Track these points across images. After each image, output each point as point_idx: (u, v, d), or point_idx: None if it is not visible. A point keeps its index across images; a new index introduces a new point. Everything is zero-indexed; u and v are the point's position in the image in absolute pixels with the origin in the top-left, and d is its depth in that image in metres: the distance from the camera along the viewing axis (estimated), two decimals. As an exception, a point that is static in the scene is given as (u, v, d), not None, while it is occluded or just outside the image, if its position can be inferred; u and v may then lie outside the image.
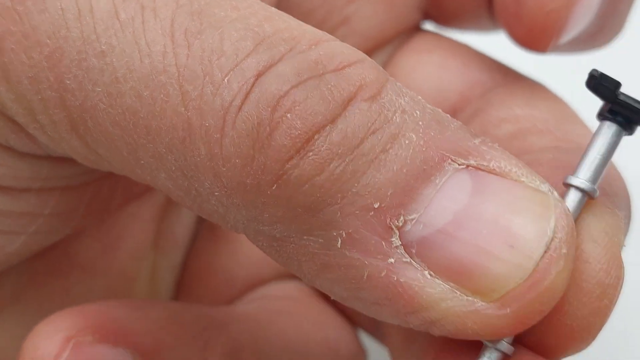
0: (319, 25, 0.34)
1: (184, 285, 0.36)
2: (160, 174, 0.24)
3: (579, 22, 0.31)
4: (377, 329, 0.35)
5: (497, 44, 0.36)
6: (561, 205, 0.24)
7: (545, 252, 0.23)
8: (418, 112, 0.24)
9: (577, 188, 0.25)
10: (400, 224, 0.23)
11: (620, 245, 0.25)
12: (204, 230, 0.36)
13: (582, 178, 0.25)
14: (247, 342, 0.31)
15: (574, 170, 0.25)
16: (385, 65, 0.35)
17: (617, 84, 0.25)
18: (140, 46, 0.24)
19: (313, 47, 0.24)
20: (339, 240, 0.23)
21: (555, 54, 0.32)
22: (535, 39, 0.31)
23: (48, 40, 0.24)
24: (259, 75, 0.23)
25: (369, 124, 0.23)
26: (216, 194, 0.24)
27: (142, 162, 0.24)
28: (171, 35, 0.24)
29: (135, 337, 0.29)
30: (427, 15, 0.36)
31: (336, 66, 0.24)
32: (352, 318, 0.36)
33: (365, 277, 0.23)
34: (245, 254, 0.36)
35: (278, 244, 0.24)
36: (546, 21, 0.30)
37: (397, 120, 0.23)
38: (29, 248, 0.30)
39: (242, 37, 0.23)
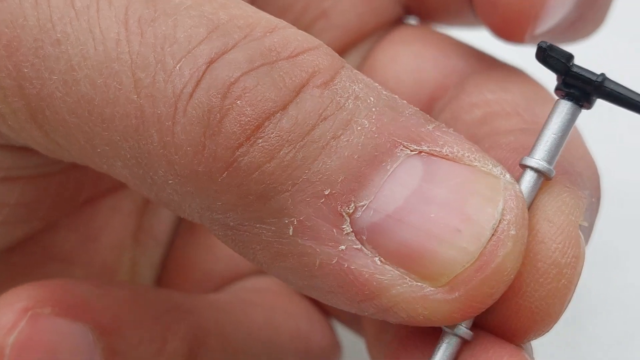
0: (296, 19, 0.34)
1: (164, 280, 0.36)
2: (116, 162, 0.24)
3: (556, 11, 0.30)
4: (353, 321, 0.35)
5: (485, 38, 0.36)
6: (512, 187, 0.23)
7: (493, 234, 0.23)
8: (372, 99, 0.24)
9: (532, 168, 0.25)
10: (351, 211, 0.23)
11: (577, 224, 0.25)
12: (184, 225, 0.36)
13: (537, 158, 0.25)
14: (212, 328, 0.31)
15: (529, 151, 0.25)
16: (364, 58, 0.35)
17: (569, 56, 0.25)
18: (94, 34, 0.24)
19: (268, 34, 0.24)
20: (291, 228, 0.23)
21: (535, 44, 0.32)
22: (510, 29, 0.31)
23: (6, 29, 0.24)
24: (211, 62, 0.23)
25: (321, 111, 0.23)
26: (170, 182, 0.24)
27: (98, 150, 0.24)
28: (125, 22, 0.24)
29: (95, 313, 0.29)
30: (410, 10, 0.36)
31: (290, 53, 0.24)
32: (328, 310, 0.35)
33: (317, 265, 0.23)
34: (223, 248, 0.34)
35: (233, 232, 0.24)
36: (521, 11, 0.30)
37: (350, 106, 0.23)
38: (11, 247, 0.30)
39: (195, 25, 0.23)
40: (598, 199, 0.28)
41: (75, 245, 0.33)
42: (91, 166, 0.26)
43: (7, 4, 0.24)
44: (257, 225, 0.23)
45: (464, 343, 0.24)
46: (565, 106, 0.25)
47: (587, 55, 0.34)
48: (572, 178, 0.26)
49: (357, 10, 0.34)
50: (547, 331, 0.25)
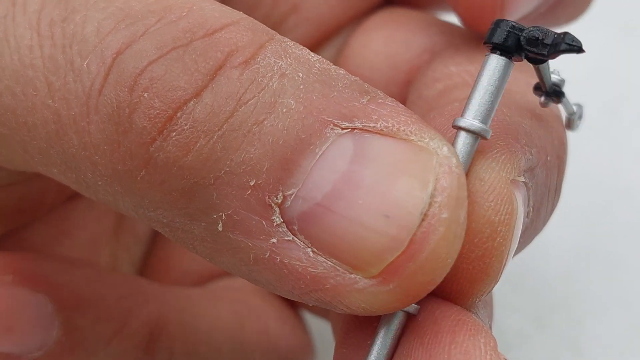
0: (266, 14, 0.32)
1: (144, 277, 0.34)
2: (52, 169, 0.23)
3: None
4: (320, 310, 0.33)
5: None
6: (447, 162, 0.21)
7: (423, 220, 0.20)
8: (301, 75, 0.22)
9: (464, 129, 0.22)
10: (280, 201, 0.21)
11: (508, 180, 0.23)
12: None
13: (468, 118, 0.22)
14: (175, 316, 0.30)
15: (462, 112, 0.23)
16: (339, 50, 0.33)
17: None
18: (10, 43, 0.23)
19: (183, 14, 0.22)
20: (220, 222, 0.21)
21: None
22: (478, 19, 0.29)
23: None
24: (117, 54, 0.21)
25: (239, 94, 0.21)
26: (100, 183, 0.22)
27: (35, 159, 0.23)
28: (37, 27, 0.22)
29: (58, 287, 0.28)
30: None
31: (205, 32, 0.22)
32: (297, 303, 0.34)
33: (251, 260, 0.21)
34: None
35: (169, 229, 0.22)
36: (485, 0, 0.28)
37: (274, 86, 0.21)
38: None
39: (104, 17, 0.22)
40: (558, 157, 0.26)
41: (50, 239, 0.32)
42: (43, 174, 0.24)
43: None
44: (189, 222, 0.22)
45: (412, 316, 0.23)
46: (494, 60, 0.23)
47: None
48: (513, 135, 0.24)
49: (329, 3, 0.33)
50: (489, 291, 0.23)
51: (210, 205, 0.21)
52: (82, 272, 0.29)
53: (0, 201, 0.29)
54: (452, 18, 0.34)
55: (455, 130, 0.23)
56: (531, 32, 0.22)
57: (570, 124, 0.27)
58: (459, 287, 0.23)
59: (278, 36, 0.22)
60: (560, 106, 0.27)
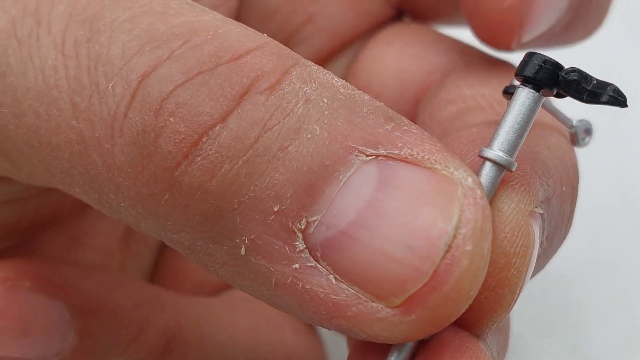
0: (282, 24, 0.32)
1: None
2: (75, 189, 0.23)
3: (543, 17, 0.28)
4: None
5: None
6: (471, 194, 0.21)
7: (447, 252, 0.20)
8: (325, 100, 0.21)
9: (490, 160, 0.22)
10: (303, 227, 0.21)
11: (526, 212, 0.23)
12: None
13: (495, 149, 0.22)
14: (192, 325, 0.30)
15: (489, 142, 0.23)
16: (352, 62, 0.33)
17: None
18: (34, 63, 0.23)
19: (209, 38, 0.22)
20: (243, 247, 0.21)
21: (529, 49, 0.30)
22: (496, 36, 0.29)
23: None
24: (143, 77, 0.21)
25: (264, 120, 0.21)
26: (122, 204, 0.22)
27: (57, 178, 0.23)
28: (62, 47, 0.22)
29: (75, 294, 0.28)
30: (403, 11, 0.34)
31: (230, 56, 0.22)
32: None
33: (273, 284, 0.21)
34: None
35: (190, 251, 0.22)
36: (505, 18, 0.28)
37: (299, 112, 0.21)
38: None
39: (129, 39, 0.22)
40: (572, 187, 0.26)
41: (62, 248, 0.32)
42: (64, 191, 0.24)
43: None
44: (211, 245, 0.22)
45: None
46: (524, 93, 0.23)
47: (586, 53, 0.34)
48: (531, 165, 0.24)
49: (345, 14, 0.33)
50: (500, 320, 0.23)
51: (234, 229, 0.21)
52: (100, 278, 0.29)
53: (17, 213, 0.29)
54: (461, 33, 0.34)
55: (477, 159, 0.23)
56: (571, 75, 0.22)
57: (574, 139, 0.27)
58: (470, 316, 0.23)
59: (303, 60, 0.22)
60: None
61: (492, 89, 0.29)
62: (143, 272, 0.34)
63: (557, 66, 0.22)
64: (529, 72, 0.23)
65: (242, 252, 0.21)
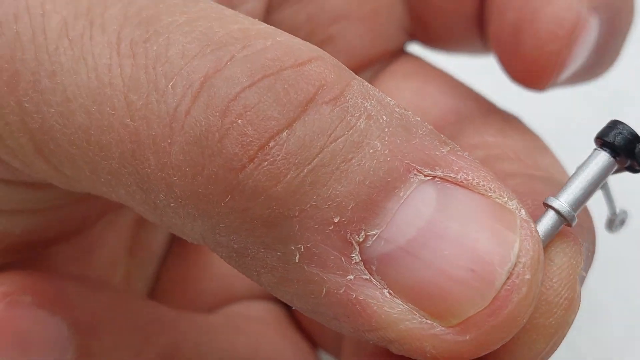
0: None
1: (157, 293, 0.34)
2: (120, 190, 0.23)
3: (577, 61, 0.29)
4: (339, 352, 0.33)
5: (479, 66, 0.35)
6: (527, 227, 0.21)
7: (508, 278, 0.21)
8: (385, 117, 0.22)
9: (556, 211, 0.23)
10: (361, 240, 0.21)
11: (577, 268, 0.24)
12: (179, 241, 0.35)
13: (563, 201, 0.23)
14: (192, 347, 0.30)
15: (556, 192, 0.23)
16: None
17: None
18: (87, 62, 0.22)
19: (269, 44, 0.22)
20: (297, 254, 0.21)
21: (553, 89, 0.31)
22: (533, 78, 0.29)
23: (7, 65, 0.23)
24: (206, 79, 0.21)
25: (330, 131, 0.21)
26: (172, 205, 0.22)
27: (102, 179, 0.23)
28: (117, 46, 0.22)
29: (76, 311, 0.28)
30: (413, 36, 0.34)
31: (293, 63, 0.22)
32: (316, 341, 0.34)
33: (324, 293, 0.21)
34: (219, 268, 0.34)
35: (237, 255, 0.22)
36: (546, 62, 0.29)
37: (362, 126, 0.21)
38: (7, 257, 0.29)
39: (188, 41, 0.22)
40: (592, 254, 0.26)
41: (69, 257, 0.31)
42: (102, 195, 0.24)
43: (6, 38, 0.23)
44: (262, 250, 0.22)
45: None
46: (600, 155, 0.23)
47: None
48: (581, 228, 0.25)
49: (363, 37, 0.33)
50: None
51: (291, 236, 0.21)
52: (102, 296, 0.29)
53: (47, 221, 0.28)
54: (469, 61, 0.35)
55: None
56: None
57: (610, 225, 0.28)
58: (505, 354, 0.23)
59: (357, 77, 0.22)
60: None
61: (513, 141, 0.30)
62: (147, 281, 0.34)
63: (637, 139, 0.23)
64: (610, 137, 0.23)
65: (297, 259, 0.21)
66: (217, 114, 0.21)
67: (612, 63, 0.32)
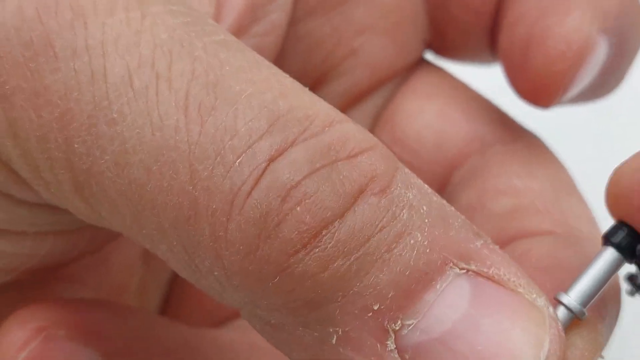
0: (326, 56, 0.33)
1: (172, 304, 0.35)
2: (161, 246, 0.23)
3: (584, 80, 0.30)
4: None
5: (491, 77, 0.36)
6: (555, 326, 0.23)
7: None
8: (425, 208, 0.23)
9: (567, 307, 0.24)
10: (397, 328, 0.22)
11: (594, 354, 0.25)
12: None
13: (573, 298, 0.24)
14: None
15: (567, 288, 0.25)
16: (388, 102, 0.34)
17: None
18: (152, 118, 0.22)
19: (326, 129, 0.22)
20: (335, 336, 0.22)
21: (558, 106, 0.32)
22: (539, 96, 0.30)
23: (59, 101, 0.23)
24: (270, 160, 0.22)
25: (377, 222, 0.22)
26: (215, 273, 0.23)
27: (144, 231, 0.23)
28: (185, 109, 0.22)
29: (108, 341, 0.28)
30: (429, 46, 0.35)
31: (349, 153, 0.22)
32: None
33: None
34: None
35: (272, 329, 0.23)
36: (553, 81, 0.30)
37: (404, 217, 0.22)
38: (21, 277, 0.29)
39: (256, 116, 0.22)
40: (614, 324, 0.28)
41: (86, 267, 0.32)
42: (131, 238, 0.24)
43: (62, 74, 0.23)
44: (300, 329, 0.23)
45: None
46: (610, 255, 0.25)
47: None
48: (600, 314, 0.26)
49: (387, 50, 0.33)
50: None
51: (331, 319, 0.22)
52: (132, 323, 0.29)
53: (72, 242, 0.28)
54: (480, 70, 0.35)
55: (536, 281, 0.24)
56: None
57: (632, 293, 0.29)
58: None
59: (400, 164, 0.23)
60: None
61: (539, 183, 0.30)
62: (162, 290, 0.35)
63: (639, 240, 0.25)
64: (616, 239, 0.25)
65: (334, 341, 0.22)
66: (279, 198, 0.22)
67: (618, 85, 0.33)
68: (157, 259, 0.33)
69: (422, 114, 0.33)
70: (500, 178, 0.30)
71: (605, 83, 0.32)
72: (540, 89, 0.30)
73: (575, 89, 0.30)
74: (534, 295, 0.23)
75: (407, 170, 0.23)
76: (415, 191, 0.23)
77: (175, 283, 0.35)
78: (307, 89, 0.24)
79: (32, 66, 0.23)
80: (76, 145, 0.23)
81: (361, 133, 0.23)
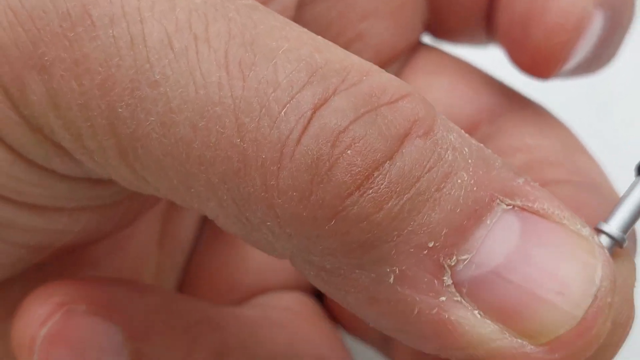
0: (334, 40, 0.32)
1: (187, 285, 0.35)
2: (210, 203, 0.23)
3: (581, 52, 0.31)
4: (385, 345, 0.35)
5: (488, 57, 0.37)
6: (603, 252, 0.23)
7: (593, 301, 0.23)
8: (466, 149, 0.23)
9: (609, 235, 0.25)
10: (453, 264, 0.23)
11: (632, 286, 0.25)
12: (208, 233, 0.35)
13: (614, 226, 0.25)
14: (237, 344, 0.31)
15: (606, 217, 0.25)
16: None
17: None
18: (195, 77, 0.23)
19: (364, 78, 0.23)
20: (392, 276, 0.23)
21: (557, 79, 0.33)
22: (539, 67, 0.31)
23: (100, 68, 0.23)
24: (315, 109, 0.22)
25: (425, 162, 0.22)
26: (268, 223, 0.23)
27: (192, 190, 0.23)
28: (226, 66, 0.23)
29: (128, 316, 0.28)
30: (426, 28, 0.36)
31: (389, 99, 0.23)
32: (358, 332, 0.35)
33: (415, 313, 0.23)
34: (251, 261, 0.35)
35: (327, 274, 0.23)
36: (552, 52, 0.31)
37: (450, 158, 0.23)
38: (48, 257, 0.29)
39: (295, 69, 0.23)
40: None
41: (104, 252, 0.32)
42: (177, 202, 0.25)
43: (101, 42, 0.23)
44: (356, 271, 0.23)
45: None
46: None
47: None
48: (630, 241, 0.26)
49: (391, 32, 0.34)
50: None
51: (387, 259, 0.23)
52: (152, 299, 0.30)
53: (106, 217, 0.29)
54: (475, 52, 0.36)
55: None
56: None
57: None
58: None
59: (438, 111, 0.24)
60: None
61: (551, 141, 0.31)
62: (177, 273, 0.35)
63: None
64: None
65: (391, 280, 0.23)
66: (328, 143, 0.22)
67: (611, 58, 0.34)
68: (171, 244, 0.34)
69: (431, 89, 0.34)
70: (514, 137, 0.31)
71: (599, 56, 0.33)
72: (541, 61, 0.31)
73: (574, 61, 0.31)
74: (579, 226, 0.24)
75: (445, 118, 0.24)
76: (455, 134, 0.23)
77: (189, 268, 0.35)
78: (339, 47, 0.24)
79: (70, 36, 0.23)
80: (120, 110, 0.23)
81: (397, 81, 0.23)
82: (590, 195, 0.28)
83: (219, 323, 0.31)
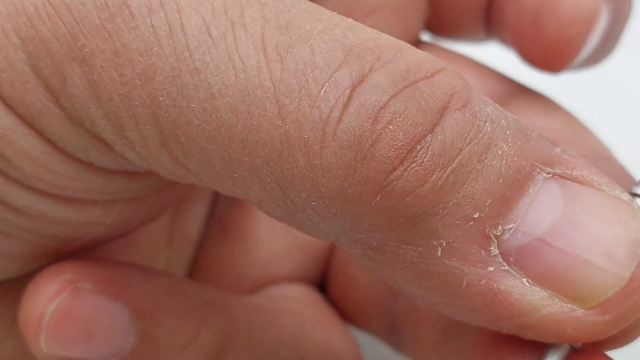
0: None
1: (195, 279, 0.35)
2: (253, 187, 0.24)
3: (591, 45, 0.32)
4: (392, 335, 0.35)
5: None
6: None
7: (639, 261, 0.23)
8: (504, 121, 0.23)
9: None
10: (499, 233, 0.23)
11: None
12: (215, 227, 0.35)
13: None
14: (244, 327, 0.31)
15: (638, 182, 0.26)
16: None
17: None
18: (234, 62, 0.23)
19: (398, 55, 0.23)
20: (439, 249, 0.23)
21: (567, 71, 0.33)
22: (551, 61, 0.32)
23: (140, 58, 0.23)
24: (354, 87, 0.22)
25: (465, 134, 0.23)
26: (313, 204, 0.23)
27: (235, 175, 0.24)
28: (263, 50, 0.23)
29: (136, 296, 0.28)
30: (425, 26, 0.36)
31: (425, 74, 0.23)
32: (362, 324, 0.35)
33: (464, 285, 0.23)
34: (257, 253, 0.35)
35: (374, 252, 0.24)
36: (566, 45, 0.31)
37: (488, 129, 0.23)
38: (73, 250, 0.29)
39: (331, 49, 0.23)
40: None
41: (115, 249, 0.32)
42: (219, 190, 0.25)
43: (140, 32, 0.23)
44: (403, 246, 0.23)
45: (571, 352, 0.25)
46: None
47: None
48: None
49: (394, 29, 0.35)
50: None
51: (434, 232, 0.23)
52: (160, 280, 0.30)
53: (135, 210, 0.29)
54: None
55: None
56: None
57: None
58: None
59: (472, 85, 0.24)
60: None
61: (558, 122, 0.32)
62: (187, 265, 0.35)
63: None
64: None
65: (438, 253, 0.23)
66: (370, 120, 0.22)
67: (612, 51, 0.35)
68: (180, 240, 0.34)
69: None
70: (522, 119, 0.32)
71: (603, 48, 0.33)
72: (553, 55, 0.32)
73: (584, 53, 0.32)
74: (617, 192, 0.24)
75: (479, 92, 0.24)
76: (492, 107, 0.24)
77: (196, 262, 0.35)
78: (370, 28, 0.24)
79: (109, 27, 0.23)
80: (161, 99, 0.23)
81: (431, 57, 0.24)
82: (607, 168, 0.28)
83: (227, 306, 0.31)
